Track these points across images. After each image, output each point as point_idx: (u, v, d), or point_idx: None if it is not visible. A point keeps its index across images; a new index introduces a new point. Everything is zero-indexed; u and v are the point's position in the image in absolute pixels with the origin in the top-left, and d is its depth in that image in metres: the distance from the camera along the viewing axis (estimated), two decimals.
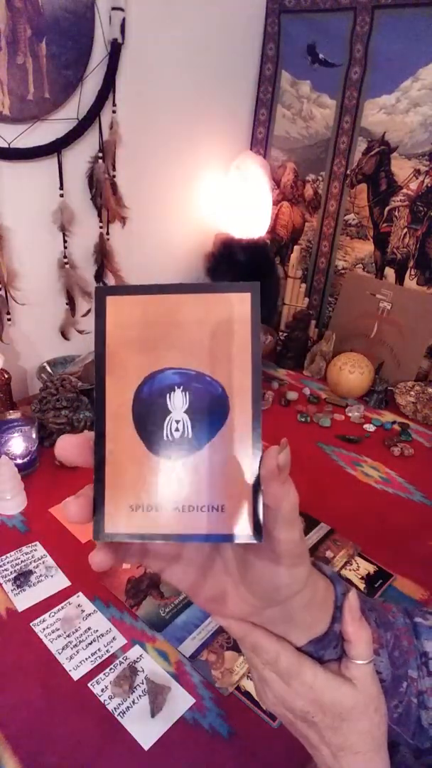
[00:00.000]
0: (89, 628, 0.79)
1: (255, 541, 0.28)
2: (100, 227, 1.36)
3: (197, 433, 0.29)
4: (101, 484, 0.29)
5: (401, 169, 1.40)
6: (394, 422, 1.35)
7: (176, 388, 0.29)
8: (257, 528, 0.28)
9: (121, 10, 1.16)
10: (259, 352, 0.29)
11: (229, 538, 0.28)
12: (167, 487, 0.29)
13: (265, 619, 0.35)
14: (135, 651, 0.77)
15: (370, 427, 1.33)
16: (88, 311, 1.41)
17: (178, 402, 0.29)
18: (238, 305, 0.28)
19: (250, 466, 0.29)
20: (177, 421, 0.29)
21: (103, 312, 0.29)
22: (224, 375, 0.29)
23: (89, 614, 0.81)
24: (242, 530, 0.28)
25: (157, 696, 0.70)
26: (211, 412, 0.29)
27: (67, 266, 1.32)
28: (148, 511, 0.29)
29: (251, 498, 0.28)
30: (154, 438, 0.29)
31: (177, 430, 0.29)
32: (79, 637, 0.78)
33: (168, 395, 0.29)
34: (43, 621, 0.80)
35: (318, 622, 0.37)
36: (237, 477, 0.29)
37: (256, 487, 0.28)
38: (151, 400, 0.29)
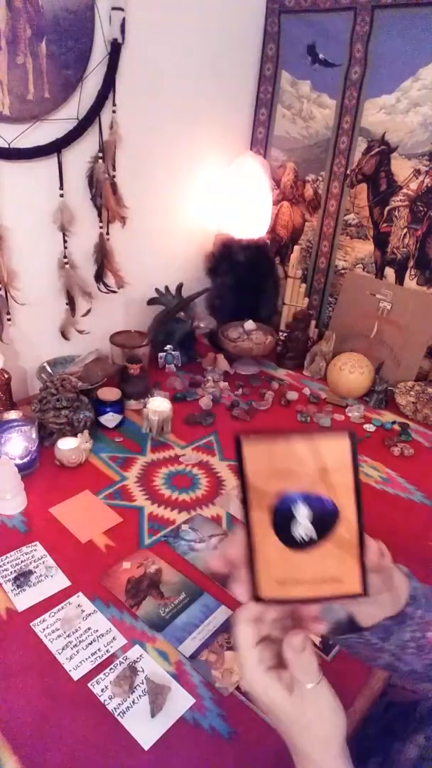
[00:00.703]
0: (89, 628, 0.79)
1: (365, 597, 0.44)
2: (100, 227, 1.36)
3: (318, 533, 0.42)
4: (254, 569, 0.42)
5: (401, 169, 1.40)
6: (394, 422, 1.35)
7: (300, 504, 0.42)
8: (365, 589, 0.43)
9: (121, 10, 1.16)
10: (358, 478, 0.42)
11: (346, 597, 0.44)
12: (301, 569, 0.42)
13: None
14: (135, 651, 0.77)
15: (370, 427, 1.33)
16: (88, 311, 1.42)
17: (303, 513, 0.42)
18: (341, 445, 0.42)
19: (357, 553, 0.43)
20: (303, 526, 0.42)
21: (242, 453, 0.41)
22: (334, 494, 0.42)
23: (89, 614, 0.81)
24: (355, 591, 0.43)
25: (157, 696, 0.70)
26: (327, 519, 0.42)
27: (67, 266, 1.32)
28: (288, 584, 0.43)
29: (360, 572, 0.43)
30: (288, 537, 0.42)
31: (304, 532, 0.42)
32: (79, 637, 0.78)
33: (295, 509, 0.41)
34: (43, 621, 0.80)
35: (394, 604, 0.52)
36: (349, 559, 0.43)
37: (363, 565, 0.43)
38: (283, 512, 0.42)
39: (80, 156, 1.25)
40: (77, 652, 0.76)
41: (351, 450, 0.42)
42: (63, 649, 0.76)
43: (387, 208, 1.46)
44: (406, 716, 0.73)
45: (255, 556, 0.42)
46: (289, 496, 0.42)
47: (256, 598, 0.42)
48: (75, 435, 1.15)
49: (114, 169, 1.31)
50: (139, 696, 0.71)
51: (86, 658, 0.75)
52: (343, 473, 0.42)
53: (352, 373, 1.41)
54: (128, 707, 0.70)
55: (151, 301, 1.55)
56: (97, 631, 0.79)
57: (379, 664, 0.55)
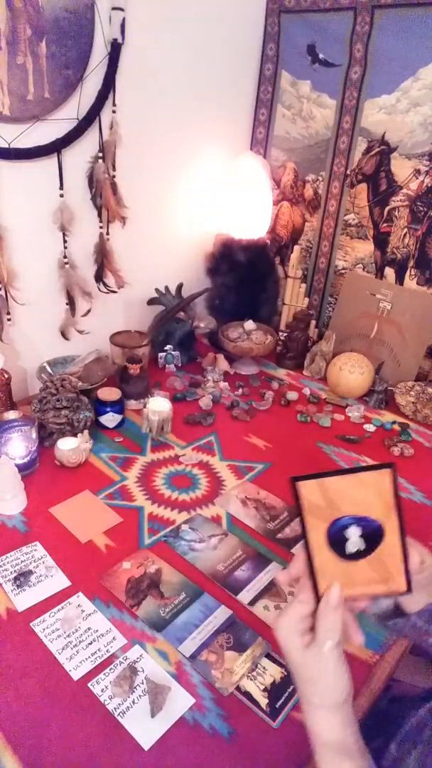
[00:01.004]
0: (89, 628, 0.79)
1: (409, 594, 0.54)
2: (100, 227, 1.36)
3: (367, 546, 0.53)
4: (316, 580, 0.53)
5: (401, 169, 1.40)
6: (394, 422, 1.35)
7: (351, 525, 0.52)
8: (409, 587, 0.54)
9: (121, 10, 1.16)
10: (399, 501, 0.52)
11: (394, 594, 0.55)
12: (354, 574, 0.53)
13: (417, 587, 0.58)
14: (135, 651, 0.77)
15: (370, 427, 1.33)
16: (88, 311, 1.42)
17: (352, 532, 0.52)
18: (384, 476, 0.52)
19: (401, 560, 0.54)
20: (353, 542, 0.52)
21: (297, 491, 0.51)
22: (379, 515, 0.52)
23: (89, 614, 0.81)
24: (401, 589, 0.54)
25: (157, 696, 0.70)
26: (374, 535, 0.53)
27: (67, 266, 1.32)
28: (344, 587, 0.53)
29: (404, 573, 0.54)
30: (342, 552, 0.53)
31: (354, 547, 0.52)
32: (79, 637, 0.78)
33: (345, 530, 0.52)
34: (43, 621, 0.80)
35: None
36: (394, 564, 0.54)
37: (407, 569, 0.54)
38: (336, 534, 0.52)
39: (80, 156, 1.25)
40: (77, 652, 0.76)
41: (392, 480, 0.52)
42: (63, 649, 0.76)
43: (387, 208, 1.46)
44: (410, 708, 0.74)
45: (314, 568, 0.53)
46: (340, 520, 0.52)
47: (318, 601, 0.53)
48: (75, 435, 1.15)
49: (114, 169, 1.31)
50: (139, 696, 0.71)
51: (86, 658, 0.75)
52: (385, 497, 0.52)
53: (352, 373, 1.41)
54: (128, 707, 0.70)
55: (151, 301, 1.55)
56: (97, 631, 0.79)
57: (429, 645, 0.62)
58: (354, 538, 0.53)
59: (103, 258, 1.38)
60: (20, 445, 1.06)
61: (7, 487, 0.98)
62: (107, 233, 1.38)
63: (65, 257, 1.31)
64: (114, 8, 1.16)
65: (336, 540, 0.53)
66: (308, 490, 0.51)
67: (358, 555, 0.53)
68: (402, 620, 0.61)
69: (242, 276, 1.60)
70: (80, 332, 1.42)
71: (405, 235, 1.45)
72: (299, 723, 0.69)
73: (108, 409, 1.23)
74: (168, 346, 1.52)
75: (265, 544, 0.97)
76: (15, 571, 0.87)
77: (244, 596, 0.86)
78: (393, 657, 0.79)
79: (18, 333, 1.30)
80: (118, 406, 1.24)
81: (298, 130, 1.58)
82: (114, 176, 1.32)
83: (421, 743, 0.64)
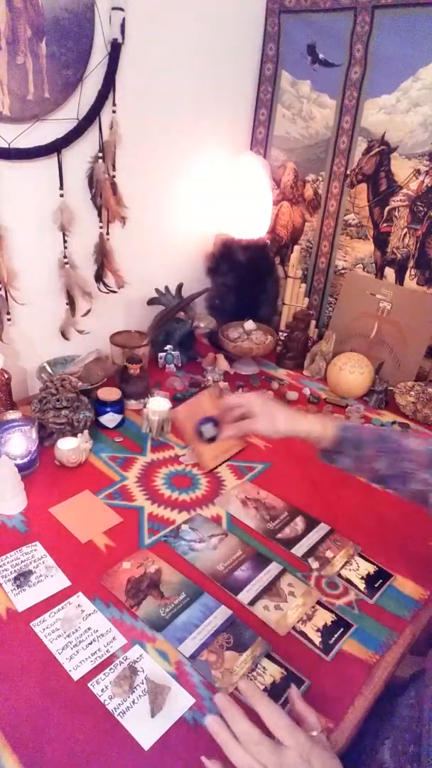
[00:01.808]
0: (89, 628, 0.79)
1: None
2: (100, 227, 1.36)
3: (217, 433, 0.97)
4: (199, 457, 1.12)
5: (401, 169, 1.40)
6: (394, 422, 1.35)
7: (202, 424, 0.96)
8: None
9: (121, 10, 1.17)
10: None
11: (235, 455, 1.17)
12: (216, 449, 1.11)
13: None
14: (135, 651, 0.77)
15: None
16: (88, 311, 1.42)
17: (206, 428, 0.96)
18: (215, 392, 1.10)
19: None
20: (207, 433, 0.96)
21: (177, 416, 1.01)
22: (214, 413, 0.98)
23: (89, 614, 0.81)
24: (240, 447, 1.19)
25: (157, 696, 0.70)
26: (217, 425, 0.96)
27: (67, 266, 1.32)
28: (216, 458, 1.13)
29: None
30: (203, 438, 0.97)
31: (208, 435, 0.95)
32: (79, 637, 0.78)
33: (202, 426, 0.97)
34: (43, 621, 0.80)
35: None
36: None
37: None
38: (199, 430, 0.98)
39: (80, 156, 1.25)
40: (77, 652, 0.76)
41: (218, 393, 0.87)
42: (63, 649, 0.76)
43: (387, 208, 1.47)
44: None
45: (199, 453, 1.03)
46: (199, 422, 0.94)
47: (207, 469, 0.97)
48: (75, 435, 1.15)
49: (114, 169, 1.31)
50: (139, 696, 0.71)
51: (86, 658, 0.75)
52: (216, 402, 0.95)
53: (352, 373, 1.41)
54: (128, 707, 0.70)
55: (151, 301, 1.55)
56: (97, 631, 0.79)
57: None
58: (206, 431, 0.93)
59: (103, 258, 1.38)
60: (20, 445, 1.06)
61: (7, 487, 0.98)
62: (107, 233, 1.38)
63: (65, 257, 1.31)
64: (114, 8, 1.16)
65: (201, 433, 0.94)
66: (184, 411, 0.95)
67: (214, 439, 0.94)
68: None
69: (242, 276, 1.60)
70: (80, 332, 1.42)
71: (405, 235, 1.45)
72: None
73: (108, 409, 1.23)
74: (168, 346, 1.52)
75: (265, 544, 0.97)
76: (15, 571, 0.87)
77: (244, 596, 0.86)
78: (393, 657, 0.80)
79: (18, 333, 1.30)
80: (118, 406, 1.24)
81: (298, 130, 1.59)
82: (114, 176, 1.32)
83: (393, 733, 0.66)
